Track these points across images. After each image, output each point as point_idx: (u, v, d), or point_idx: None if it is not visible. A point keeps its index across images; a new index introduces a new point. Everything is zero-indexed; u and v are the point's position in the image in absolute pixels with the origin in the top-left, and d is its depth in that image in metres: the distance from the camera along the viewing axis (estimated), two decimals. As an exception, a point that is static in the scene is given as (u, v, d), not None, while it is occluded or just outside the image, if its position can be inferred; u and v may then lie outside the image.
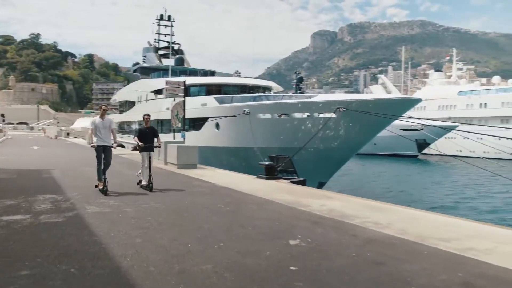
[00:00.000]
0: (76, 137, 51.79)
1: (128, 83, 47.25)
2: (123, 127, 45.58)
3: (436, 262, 4.60)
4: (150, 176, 9.42)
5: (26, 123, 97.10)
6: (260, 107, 23.72)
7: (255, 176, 12.55)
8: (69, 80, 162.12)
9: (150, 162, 9.69)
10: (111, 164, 9.26)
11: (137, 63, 48.61)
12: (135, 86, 40.36)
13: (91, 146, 9.13)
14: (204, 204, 7.89)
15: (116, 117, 53.04)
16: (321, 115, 21.46)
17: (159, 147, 10.60)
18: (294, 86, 62.11)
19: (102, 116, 9.31)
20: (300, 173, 22.43)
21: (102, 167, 9.05)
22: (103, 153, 9.08)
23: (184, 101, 17.39)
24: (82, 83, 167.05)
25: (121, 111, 49.31)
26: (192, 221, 6.42)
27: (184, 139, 17.30)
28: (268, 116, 23.30)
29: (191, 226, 6.10)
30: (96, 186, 9.20)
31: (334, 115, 20.53)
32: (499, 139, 27.39)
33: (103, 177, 8.76)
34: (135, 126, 40.34)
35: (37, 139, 40.56)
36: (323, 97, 24.44)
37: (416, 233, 5.92)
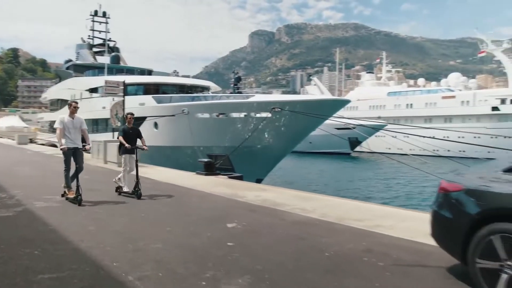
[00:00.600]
0: (1, 137, 48.73)
1: (60, 81, 45.42)
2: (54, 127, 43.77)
3: (347, 236, 5.70)
4: (137, 181, 8.55)
5: None
6: (199, 107, 24.36)
7: (195, 173, 13.28)
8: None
9: (137, 165, 8.98)
10: (83, 168, 8.21)
11: (70, 60, 46.82)
12: (68, 84, 39.04)
13: (61, 149, 8.03)
14: (150, 198, 8.51)
15: (47, 116, 50.81)
16: (258, 115, 22.53)
17: (146, 150, 9.30)
18: (232, 85, 63.03)
19: (72, 115, 8.20)
20: (239, 170, 23.40)
21: (72, 172, 8.11)
22: (74, 157, 8.11)
23: (123, 101, 17.61)
24: (6, 79, 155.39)
25: (53, 110, 47.34)
26: (140, 212, 7.06)
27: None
28: (206, 115, 24.00)
29: (140, 216, 6.76)
30: (63, 195, 8.12)
31: (269, 115, 21.68)
32: (423, 137, 30.32)
33: (76, 185, 7.64)
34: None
35: (-42, 140, 37.88)
36: (259, 97, 25.56)
37: (336, 215, 7.04)
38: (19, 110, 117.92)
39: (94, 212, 6.98)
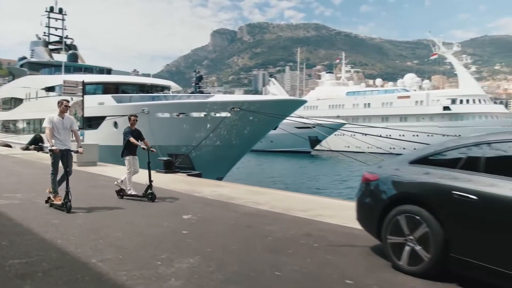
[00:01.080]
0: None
1: (13, 79, 43.89)
2: (8, 126, 42.36)
3: (291, 224, 6.39)
4: (150, 183, 8.47)
5: None
6: (159, 107, 24.58)
7: (155, 171, 13.64)
8: None
9: (149, 167, 8.87)
10: (72, 172, 7.73)
11: (24, 57, 45.32)
12: (23, 82, 37.90)
13: (50, 150, 7.42)
14: (111, 194, 8.89)
15: (-1, 116, 48.90)
16: (217, 115, 23.06)
17: (154, 151, 9.15)
18: (194, 84, 62.93)
19: (62, 114, 7.66)
20: (199, 169, 23.85)
21: (60, 177, 7.73)
22: (63, 160, 7.63)
23: (82, 101, 17.64)
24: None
25: (5, 109, 45.68)
26: (103, 207, 7.48)
27: (83, 138, 17.53)
28: (167, 115, 24.27)
29: (102, 210, 7.18)
30: (47, 201, 7.58)
31: (229, 115, 22.26)
32: (380, 136, 31.89)
33: (66, 190, 7.20)
34: (22, 126, 37.98)
35: None
36: (219, 97, 26.07)
37: (283, 207, 7.75)
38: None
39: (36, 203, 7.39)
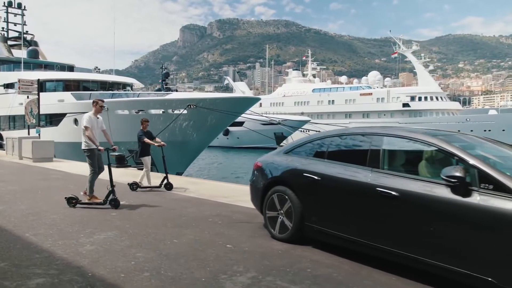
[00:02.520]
0: None
1: (-28, 75, 43.02)
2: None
3: (208, 207, 7.49)
4: (166, 175, 9.61)
5: None
6: (119, 104, 25.21)
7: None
8: None
9: (164, 162, 10.01)
10: (103, 169, 7.91)
11: (-17, 53, 44.49)
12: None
13: (98, 150, 7.56)
14: (58, 186, 9.74)
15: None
16: (175, 112, 23.93)
17: (164, 144, 10.18)
18: (160, 81, 63.05)
19: (96, 114, 7.82)
20: (160, 163, 24.62)
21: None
22: (98, 158, 7.80)
23: (38, 99, 18.14)
24: None
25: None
26: (45, 195, 8.35)
27: (39, 134, 18.09)
28: (126, 112, 24.94)
29: (45, 199, 8.04)
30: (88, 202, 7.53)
31: (185, 112, 23.18)
32: None
33: (111, 186, 7.38)
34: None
35: None
36: (176, 95, 26.91)
37: (210, 194, 8.86)
38: None
39: (4, 196, 8.18)
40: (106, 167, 7.82)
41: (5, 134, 29.41)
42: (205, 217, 6.63)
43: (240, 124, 43.35)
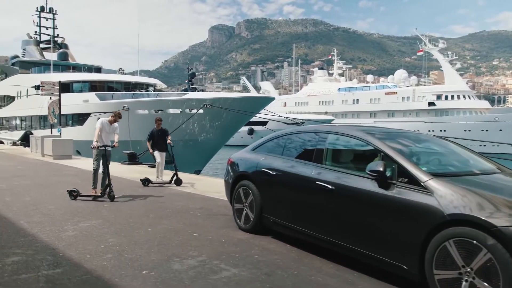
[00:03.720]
0: None
1: (6, 77, 45.42)
2: (2, 123, 43.98)
3: (196, 201, 7.98)
4: (176, 172, 10.26)
5: None
6: (139, 104, 26.21)
7: (120, 163, 15.27)
8: None
9: (173, 158, 10.61)
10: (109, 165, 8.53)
11: (17, 56, 46.83)
12: (15, 81, 39.42)
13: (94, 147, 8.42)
14: (66, 181, 10.50)
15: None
16: (193, 111, 24.66)
17: (170, 144, 10.82)
18: (187, 81, 64.41)
19: (111, 123, 8.80)
20: (179, 162, 25.39)
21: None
22: (103, 157, 8.53)
23: (59, 99, 19.19)
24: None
25: (0, 106, 47.27)
26: (53, 189, 9.07)
27: (60, 133, 19.14)
28: (146, 112, 25.88)
29: (50, 192, 8.76)
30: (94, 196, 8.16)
31: (201, 111, 23.86)
32: None
33: (108, 182, 8.05)
34: (15, 122, 39.60)
35: None
36: (192, 95, 27.64)
37: (203, 190, 9.37)
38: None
39: (12, 188, 8.96)
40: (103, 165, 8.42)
41: (36, 133, 31.00)
42: (188, 209, 7.13)
43: (264, 123, 43.84)
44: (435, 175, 3.66)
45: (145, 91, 32.52)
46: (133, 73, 47.28)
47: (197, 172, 25.29)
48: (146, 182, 10.10)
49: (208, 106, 23.77)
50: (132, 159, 15.24)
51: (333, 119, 54.98)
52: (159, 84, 37.89)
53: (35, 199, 7.85)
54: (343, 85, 75.63)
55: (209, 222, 6.22)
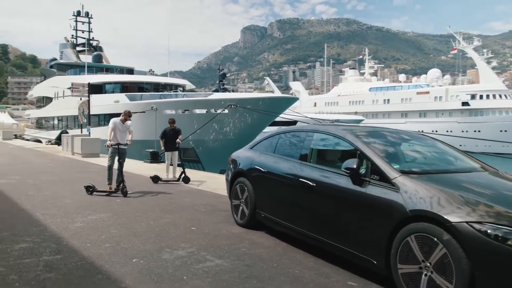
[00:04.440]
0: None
1: (45, 79, 47.64)
2: (41, 123, 46.17)
3: (204, 198, 8.29)
4: (183, 170, 10.56)
5: None
6: (166, 104, 26.96)
7: (143, 161, 15.85)
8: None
9: (181, 157, 11.20)
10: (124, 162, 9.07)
11: (55, 59, 49.01)
12: (52, 82, 41.31)
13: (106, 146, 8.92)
14: (88, 177, 11.05)
15: (33, 113, 53.07)
16: (218, 111, 25.14)
17: (179, 142, 11.19)
18: (218, 82, 65.53)
19: (123, 121, 9.18)
20: (205, 161, 26.10)
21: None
22: (118, 154, 8.96)
23: (88, 100, 20.07)
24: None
25: (39, 107, 49.61)
26: (73, 184, 9.63)
27: (89, 133, 20.00)
28: (173, 112, 26.59)
29: (71, 187, 9.30)
30: (108, 191, 8.57)
31: (226, 111, 24.29)
32: None
33: (121, 178, 8.46)
34: (53, 122, 41.51)
35: None
36: (217, 95, 28.13)
37: (213, 187, 9.71)
38: (9, 107, 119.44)
39: (38, 183, 9.58)
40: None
41: (71, 132, 32.41)
42: (193, 205, 7.45)
43: (294, 124, 44.01)
44: (405, 172, 3.79)
45: (174, 91, 33.33)
46: (166, 74, 48.48)
47: (223, 171, 25.75)
48: (155, 179, 10.50)
49: (232, 106, 24.19)
50: (155, 158, 15.78)
51: (363, 119, 54.27)
52: (189, 85, 38.72)
53: (55, 194, 8.40)
54: (374, 85, 74.58)
55: (210, 217, 6.50)
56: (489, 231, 2.93)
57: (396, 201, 3.53)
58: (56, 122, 41.40)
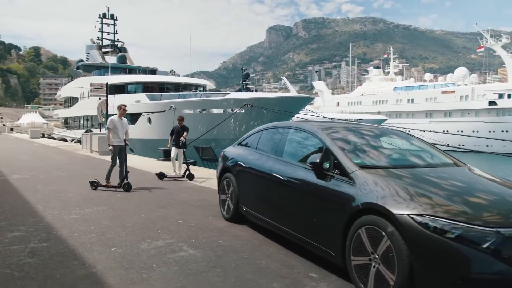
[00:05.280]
0: (20, 132, 52.96)
1: (72, 80, 49.21)
2: (68, 122, 47.76)
3: (202, 194, 8.51)
4: (187, 167, 10.85)
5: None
6: (185, 104, 27.47)
7: (156, 159, 16.26)
8: (14, 74, 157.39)
9: (185, 155, 11.48)
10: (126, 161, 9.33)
11: (81, 60, 50.61)
12: (78, 83, 42.63)
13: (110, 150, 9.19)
14: (99, 174, 11.41)
15: (61, 113, 54.93)
16: (235, 111, 25.43)
17: (183, 139, 11.52)
18: (241, 82, 66.04)
19: (120, 116, 9.30)
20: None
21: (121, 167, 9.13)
22: (121, 153, 9.19)
23: (106, 100, 20.69)
24: (28, 77, 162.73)
25: (66, 107, 51.30)
26: (81, 180, 10.03)
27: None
28: (191, 111, 27.08)
29: (78, 182, 9.72)
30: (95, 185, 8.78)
31: (242, 111, 24.55)
32: (423, 131, 32.02)
33: (125, 173, 8.83)
34: (80, 121, 42.85)
35: (-20, 134, 42.09)
36: (234, 95, 28.42)
37: (214, 184, 9.80)
38: (40, 107, 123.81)
39: (49, 178, 10.05)
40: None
41: (95, 131, 33.39)
42: (189, 201, 7.69)
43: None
44: (364, 167, 3.88)
45: (193, 91, 33.86)
46: (193, 75, 49.34)
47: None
48: (161, 176, 10.81)
49: (248, 106, 24.44)
50: (167, 156, 16.12)
51: (386, 119, 53.53)
52: (209, 85, 39.28)
53: (61, 188, 8.81)
54: (399, 84, 73.44)
55: (202, 211, 6.72)
56: (428, 223, 3.01)
57: (351, 194, 3.64)
58: (82, 121, 42.74)
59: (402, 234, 3.09)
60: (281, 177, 4.65)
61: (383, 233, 3.23)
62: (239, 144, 6.40)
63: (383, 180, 3.58)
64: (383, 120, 51.81)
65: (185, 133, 11.76)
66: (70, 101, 47.54)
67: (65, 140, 40.00)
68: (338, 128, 4.90)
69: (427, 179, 3.71)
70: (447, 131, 54.40)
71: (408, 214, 3.11)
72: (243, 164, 5.66)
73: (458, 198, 3.29)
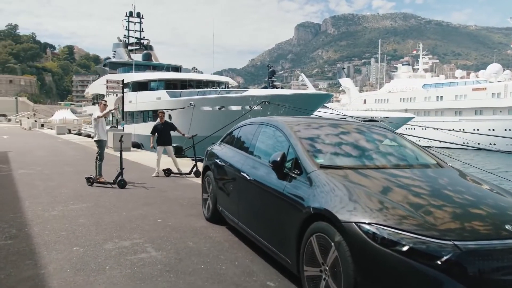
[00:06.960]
0: (51, 128, 54.52)
1: (99, 77, 50.28)
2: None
3: (195, 191, 8.29)
4: (195, 164, 10.75)
5: (4, 115, 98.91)
6: (203, 101, 27.53)
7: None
8: (48, 72, 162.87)
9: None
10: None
11: (108, 58, 51.67)
12: (104, 80, 43.43)
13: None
14: (105, 170, 11.49)
15: (89, 109, 56.29)
16: (254, 108, 25.25)
17: (183, 135, 11.52)
18: (267, 79, 65.83)
19: (102, 112, 9.77)
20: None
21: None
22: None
23: (123, 97, 20.90)
24: (62, 75, 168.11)
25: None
26: (83, 176, 10.07)
27: (123, 128, 20.85)
28: (209, 108, 27.11)
29: (78, 178, 9.74)
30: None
31: (260, 108, 24.34)
32: (452, 129, 30.82)
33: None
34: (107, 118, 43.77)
35: (11, 130, 43.50)
36: (251, 92, 28.23)
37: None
38: (72, 104, 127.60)
39: (52, 173, 10.15)
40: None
41: (120, 127, 33.96)
42: (179, 199, 7.53)
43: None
44: (325, 167, 3.56)
45: (213, 88, 33.91)
46: (221, 72, 49.49)
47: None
48: (168, 172, 10.71)
49: (266, 103, 24.20)
50: (178, 152, 16.09)
51: (413, 117, 51.98)
52: (232, 82, 39.28)
53: (59, 184, 8.85)
54: (428, 81, 71.17)
55: (186, 210, 6.54)
56: (376, 233, 2.67)
57: (306, 197, 3.33)
58: (109, 117, 43.61)
59: (349, 244, 2.78)
60: (247, 176, 4.40)
61: (332, 242, 2.92)
62: (221, 141, 6.17)
63: (339, 182, 3.25)
64: (410, 118, 50.33)
65: (184, 133, 11.59)
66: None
67: (90, 136, 40.88)
68: (314, 124, 4.60)
69: (392, 181, 3.36)
70: (478, 129, 52.37)
71: (355, 222, 2.78)
72: (219, 162, 5.44)
73: (419, 205, 2.93)
